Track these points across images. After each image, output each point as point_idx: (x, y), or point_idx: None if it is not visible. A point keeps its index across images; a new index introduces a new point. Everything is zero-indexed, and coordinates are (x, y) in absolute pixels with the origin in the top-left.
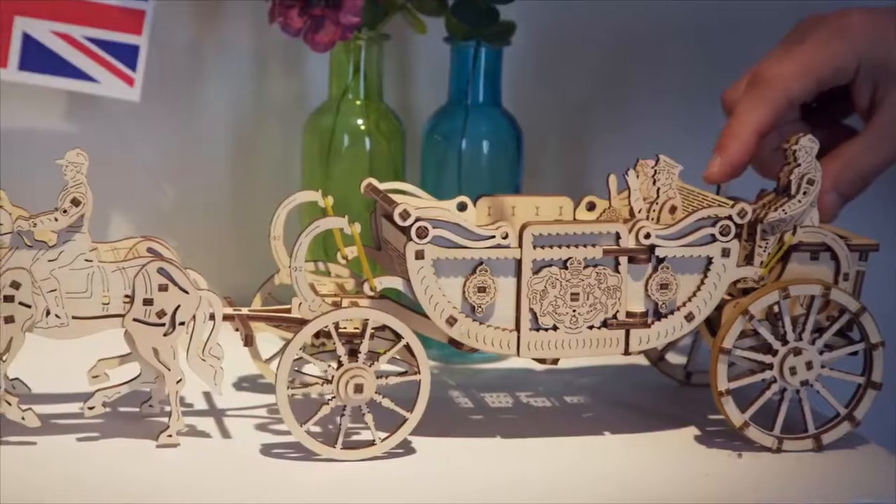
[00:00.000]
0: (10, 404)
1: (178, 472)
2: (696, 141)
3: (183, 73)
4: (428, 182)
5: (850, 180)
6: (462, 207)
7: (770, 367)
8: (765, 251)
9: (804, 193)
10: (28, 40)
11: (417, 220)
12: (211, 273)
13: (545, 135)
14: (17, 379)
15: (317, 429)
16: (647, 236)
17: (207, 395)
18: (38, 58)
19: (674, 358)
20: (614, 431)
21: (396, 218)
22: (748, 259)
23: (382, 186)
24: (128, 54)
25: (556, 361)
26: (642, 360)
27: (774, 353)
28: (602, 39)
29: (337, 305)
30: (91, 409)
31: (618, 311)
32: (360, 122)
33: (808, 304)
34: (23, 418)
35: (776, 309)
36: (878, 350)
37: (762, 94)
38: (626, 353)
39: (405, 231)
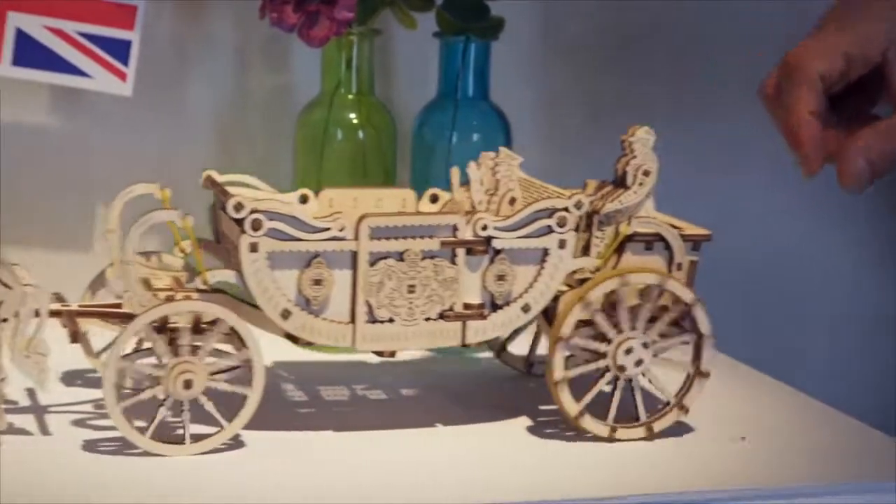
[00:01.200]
0: None
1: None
2: (682, 135)
3: (167, 69)
4: (417, 175)
5: (881, 151)
6: (304, 200)
7: (605, 356)
8: (602, 242)
9: (640, 184)
10: (21, 36)
11: (252, 211)
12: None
13: (532, 129)
14: None
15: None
16: (485, 228)
17: (28, 393)
18: (31, 53)
19: (516, 349)
20: (447, 423)
21: (230, 210)
22: (585, 250)
23: (221, 178)
24: (120, 49)
25: (393, 354)
26: (483, 352)
27: (609, 342)
28: (589, 34)
29: (169, 300)
30: None
31: (455, 303)
32: (352, 116)
33: (644, 295)
34: None
35: (612, 299)
36: (707, 341)
37: (798, 80)
38: (464, 344)
39: (240, 223)
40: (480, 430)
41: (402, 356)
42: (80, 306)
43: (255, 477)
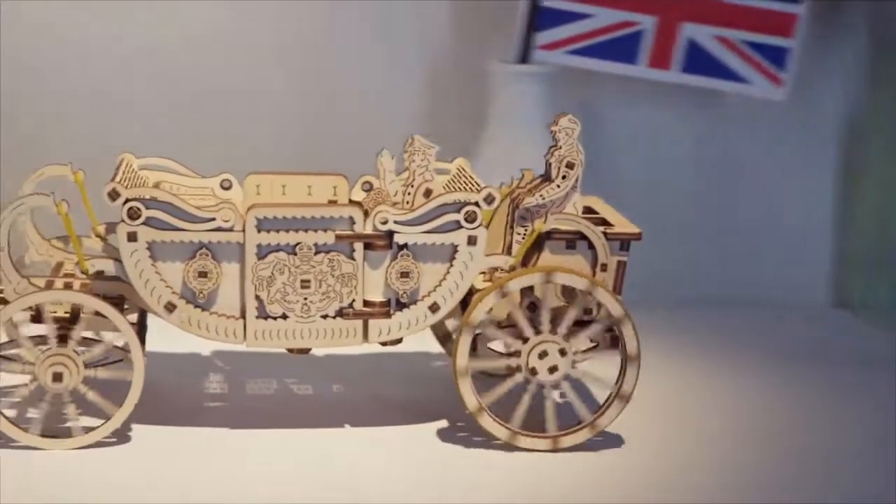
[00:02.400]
0: None
1: None
2: None
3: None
4: None
5: None
6: (227, 186)
7: (517, 354)
8: (523, 238)
9: (563, 177)
10: (692, 45)
11: (128, 200)
12: None
13: None
14: None
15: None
16: (385, 222)
17: None
18: (699, 61)
19: None
20: (356, 423)
21: (105, 198)
22: (511, 248)
23: (138, 163)
24: (777, 55)
25: (305, 351)
26: (420, 347)
27: (525, 340)
28: None
29: (48, 287)
30: None
31: (354, 301)
32: None
33: (567, 297)
34: None
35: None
36: (633, 362)
37: None
38: (366, 342)
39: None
40: (389, 433)
41: (357, 350)
42: None
43: (132, 473)
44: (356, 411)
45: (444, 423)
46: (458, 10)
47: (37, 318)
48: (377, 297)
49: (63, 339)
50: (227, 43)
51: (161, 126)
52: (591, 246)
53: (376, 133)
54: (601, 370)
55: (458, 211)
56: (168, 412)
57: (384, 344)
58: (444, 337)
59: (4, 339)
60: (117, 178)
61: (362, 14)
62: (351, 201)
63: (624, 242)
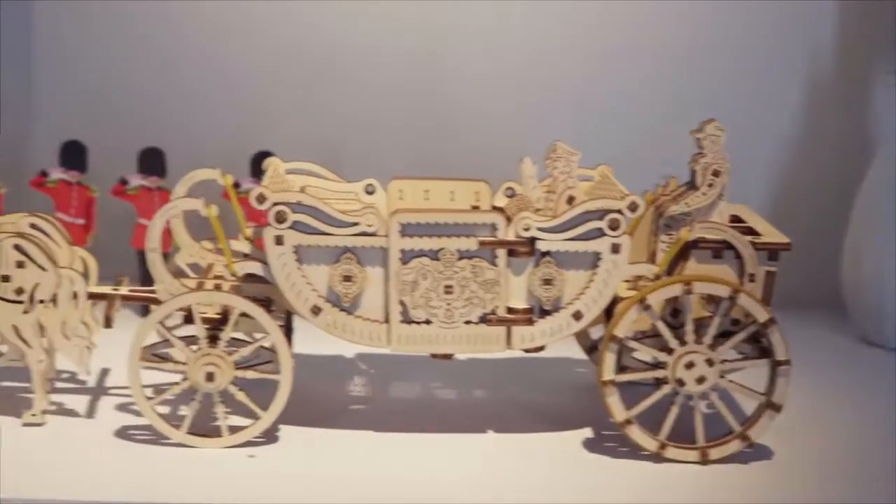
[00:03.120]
0: None
1: (38, 452)
2: None
3: None
4: None
5: None
6: (371, 190)
7: (664, 366)
8: (668, 247)
9: (709, 185)
10: None
11: (275, 203)
12: None
13: None
14: None
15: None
16: (527, 228)
17: (103, 373)
18: None
19: None
20: (500, 430)
21: (253, 201)
22: (655, 256)
23: (284, 166)
24: None
25: (448, 356)
26: (563, 353)
27: (670, 352)
28: None
29: (199, 288)
30: None
31: (497, 307)
32: None
33: (714, 306)
34: None
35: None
36: (782, 368)
37: None
38: (508, 349)
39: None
40: (531, 441)
41: (498, 355)
42: (130, 290)
43: (276, 473)
44: (500, 418)
45: (588, 433)
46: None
47: (189, 318)
48: (520, 304)
49: (214, 339)
50: (380, 45)
51: (306, 130)
52: (739, 256)
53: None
54: (746, 379)
55: (602, 218)
56: (312, 413)
57: (527, 351)
58: (590, 348)
59: (157, 338)
60: (265, 182)
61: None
62: (493, 207)
63: (773, 252)
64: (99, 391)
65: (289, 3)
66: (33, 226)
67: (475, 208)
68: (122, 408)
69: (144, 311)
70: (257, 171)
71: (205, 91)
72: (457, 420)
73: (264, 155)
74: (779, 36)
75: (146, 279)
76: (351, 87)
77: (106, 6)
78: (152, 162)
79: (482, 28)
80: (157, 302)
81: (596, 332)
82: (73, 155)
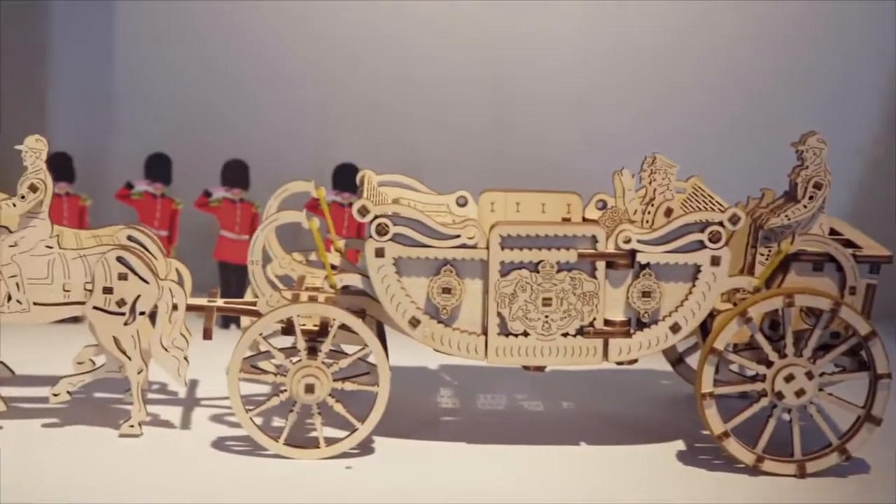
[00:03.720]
0: None
1: (135, 463)
2: None
3: None
4: None
5: None
6: (463, 202)
7: (762, 378)
8: (767, 259)
9: (810, 198)
10: None
11: (377, 217)
12: None
13: None
14: (0, 362)
15: (281, 422)
16: (627, 241)
17: (192, 384)
18: None
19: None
20: (591, 442)
21: (355, 214)
22: (752, 268)
23: (377, 178)
24: None
25: (541, 369)
26: (645, 365)
27: (769, 364)
28: None
29: (296, 300)
30: (56, 395)
31: (595, 319)
32: None
33: (813, 319)
34: None
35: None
36: (883, 381)
37: None
38: (605, 362)
39: (365, 228)
40: (625, 453)
41: (582, 367)
42: (225, 302)
43: (372, 484)
44: (590, 430)
45: (681, 445)
46: None
47: (287, 330)
48: (618, 317)
49: (312, 351)
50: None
51: (383, 141)
52: (840, 268)
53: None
54: (844, 392)
55: (702, 231)
56: (404, 425)
57: (619, 363)
58: (676, 361)
59: (257, 350)
60: (363, 195)
61: None
62: (584, 219)
63: (874, 265)
64: (190, 402)
65: (362, 14)
66: (130, 238)
67: (566, 220)
68: (216, 419)
69: (226, 324)
70: (339, 184)
71: (284, 103)
72: (547, 432)
73: (346, 167)
74: (860, 45)
75: (227, 291)
76: (426, 96)
77: (185, 22)
78: (235, 174)
79: (558, 32)
80: (256, 314)
81: (680, 345)
82: (158, 167)
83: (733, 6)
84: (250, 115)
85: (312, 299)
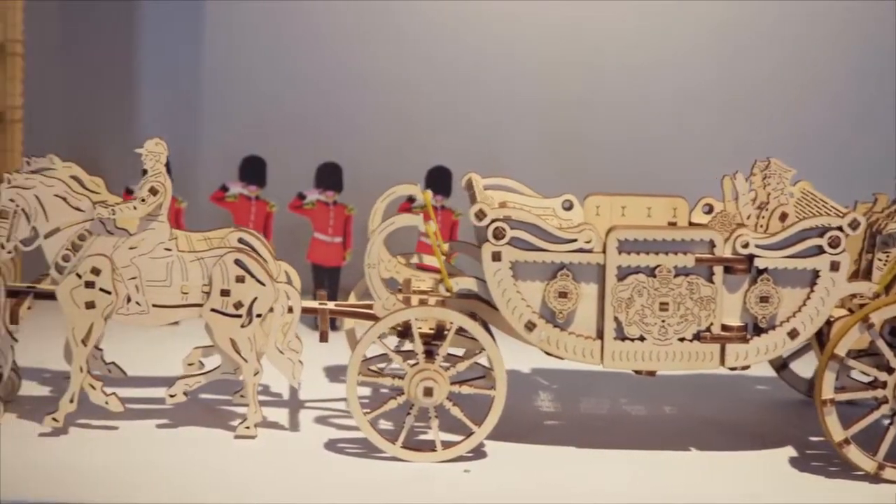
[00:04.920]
0: (94, 388)
1: (250, 463)
2: None
3: None
4: None
5: None
6: (568, 206)
7: (882, 385)
8: (884, 265)
9: None
10: None
11: (494, 220)
12: None
13: None
14: (112, 363)
15: (388, 426)
16: (746, 245)
17: (291, 387)
18: None
19: (799, 368)
20: (702, 447)
21: (472, 218)
22: (868, 273)
23: (484, 182)
24: None
25: (652, 373)
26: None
27: (890, 371)
28: None
29: (422, 304)
30: (172, 396)
31: (712, 324)
32: None
33: None
34: (106, 403)
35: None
36: None
37: None
38: (721, 367)
39: (482, 231)
40: (736, 459)
41: (678, 371)
42: (336, 305)
43: (488, 487)
44: (696, 434)
45: (791, 451)
46: None
47: (402, 333)
48: (734, 322)
49: (429, 354)
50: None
51: (472, 143)
52: None
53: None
54: None
55: (821, 235)
56: (510, 428)
57: (732, 368)
58: (781, 366)
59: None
60: (476, 199)
61: None
62: (690, 223)
63: None
64: (294, 404)
65: (449, 17)
66: (241, 240)
67: (671, 224)
68: (323, 420)
69: (316, 325)
70: (434, 187)
71: (376, 108)
72: (654, 436)
73: (439, 170)
74: None
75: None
76: (514, 98)
77: (277, 24)
78: (330, 177)
79: (657, 32)
80: (372, 317)
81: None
82: (253, 169)
83: (845, 6)
84: (344, 118)
85: (423, 302)
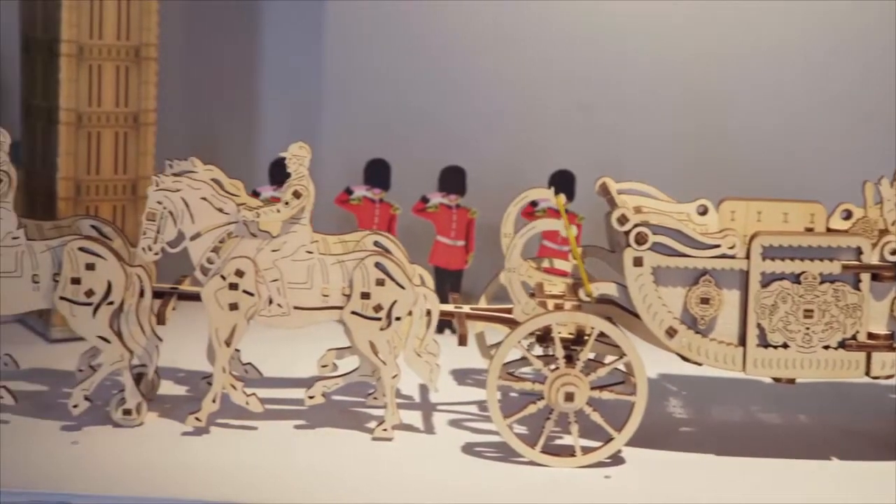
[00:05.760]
0: (235, 388)
1: (387, 466)
2: None
3: None
4: None
5: None
6: (703, 211)
7: None
8: None
9: None
10: None
11: (636, 225)
12: None
13: None
14: (249, 363)
15: (522, 430)
16: (894, 252)
17: (423, 389)
18: None
19: None
20: (843, 457)
21: (614, 222)
22: None
23: (617, 186)
24: None
25: (792, 381)
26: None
27: None
28: None
29: (557, 308)
30: (311, 398)
31: (858, 332)
32: None
33: None
34: (247, 403)
35: None
36: None
37: None
38: (866, 376)
39: (624, 236)
40: (882, 469)
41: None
42: (472, 309)
43: (626, 495)
44: (836, 443)
45: None
46: None
47: (540, 338)
48: (881, 330)
49: (569, 359)
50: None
51: (589, 147)
52: None
53: None
54: None
55: None
56: (644, 434)
57: (875, 377)
58: None
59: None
60: (615, 204)
61: None
62: (829, 229)
63: None
64: (426, 406)
65: (573, 17)
66: (377, 244)
67: (809, 230)
68: (457, 423)
69: (440, 329)
70: (558, 189)
71: (499, 110)
72: (792, 445)
73: (562, 174)
74: None
75: (442, 297)
76: (630, 104)
77: (398, 25)
78: (452, 180)
79: (786, 34)
80: (510, 322)
81: None
82: (377, 172)
83: None
84: (467, 120)
85: (559, 307)
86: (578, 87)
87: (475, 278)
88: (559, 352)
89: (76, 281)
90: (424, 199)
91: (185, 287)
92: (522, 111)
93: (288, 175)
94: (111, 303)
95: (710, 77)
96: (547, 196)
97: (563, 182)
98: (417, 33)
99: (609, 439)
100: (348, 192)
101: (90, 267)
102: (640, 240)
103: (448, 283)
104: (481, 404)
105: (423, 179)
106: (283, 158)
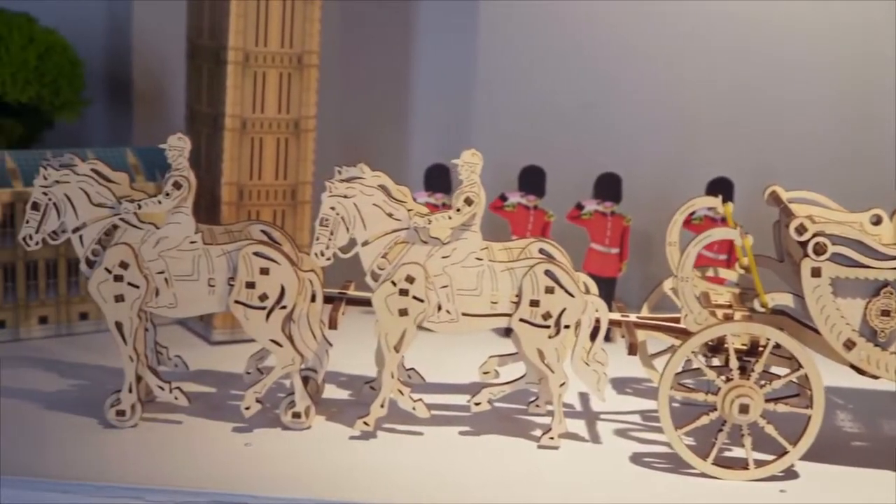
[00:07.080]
0: (402, 394)
1: (553, 474)
2: None
3: None
4: None
5: None
6: (876, 221)
7: None
8: None
9: None
10: None
11: (815, 235)
12: None
13: None
14: (412, 369)
15: (689, 441)
16: None
17: (583, 397)
18: None
19: None
20: None
21: (792, 232)
22: None
23: (787, 195)
24: None
25: None
26: None
27: None
28: None
29: (727, 319)
30: (477, 404)
31: None
32: None
33: None
34: (413, 409)
35: None
36: None
37: None
38: None
39: (802, 246)
40: None
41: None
42: (639, 318)
43: None
44: None
45: None
46: None
47: (713, 348)
48: None
49: (742, 370)
50: None
51: (742, 153)
52: None
53: None
54: None
55: None
56: (816, 448)
57: None
58: None
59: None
60: (788, 213)
61: None
62: None
63: None
64: (588, 415)
65: (731, 28)
66: (541, 251)
67: None
68: (622, 433)
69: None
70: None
71: (653, 116)
72: None
73: (720, 181)
74: None
75: None
76: (781, 107)
77: (548, 30)
78: (607, 187)
79: None
80: (682, 331)
81: None
82: (532, 179)
83: None
84: (622, 127)
85: (728, 317)
86: (736, 94)
87: (622, 285)
88: (734, 363)
89: (251, 285)
90: (579, 206)
91: (353, 292)
92: (677, 118)
93: (442, 181)
94: (284, 307)
95: (875, 81)
96: (713, 204)
97: (722, 189)
98: (572, 37)
99: (783, 452)
100: (503, 198)
101: (265, 271)
102: (819, 250)
103: (602, 290)
104: (644, 414)
105: (578, 186)
106: (439, 165)
